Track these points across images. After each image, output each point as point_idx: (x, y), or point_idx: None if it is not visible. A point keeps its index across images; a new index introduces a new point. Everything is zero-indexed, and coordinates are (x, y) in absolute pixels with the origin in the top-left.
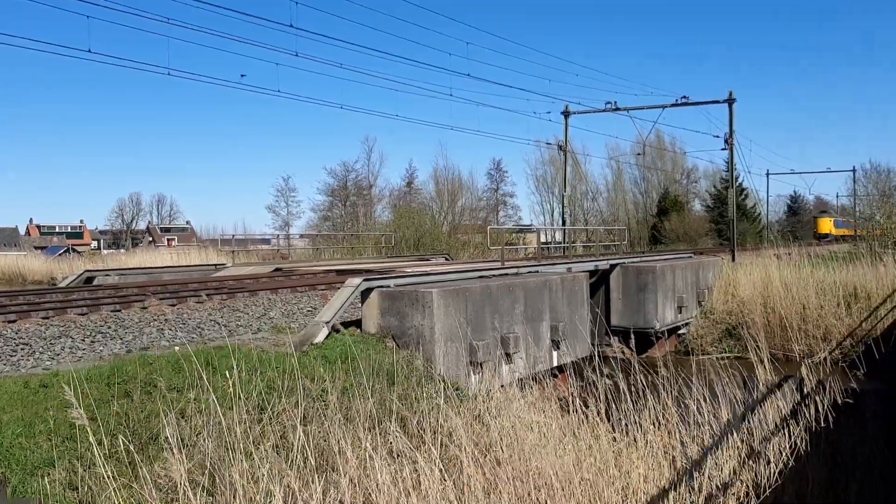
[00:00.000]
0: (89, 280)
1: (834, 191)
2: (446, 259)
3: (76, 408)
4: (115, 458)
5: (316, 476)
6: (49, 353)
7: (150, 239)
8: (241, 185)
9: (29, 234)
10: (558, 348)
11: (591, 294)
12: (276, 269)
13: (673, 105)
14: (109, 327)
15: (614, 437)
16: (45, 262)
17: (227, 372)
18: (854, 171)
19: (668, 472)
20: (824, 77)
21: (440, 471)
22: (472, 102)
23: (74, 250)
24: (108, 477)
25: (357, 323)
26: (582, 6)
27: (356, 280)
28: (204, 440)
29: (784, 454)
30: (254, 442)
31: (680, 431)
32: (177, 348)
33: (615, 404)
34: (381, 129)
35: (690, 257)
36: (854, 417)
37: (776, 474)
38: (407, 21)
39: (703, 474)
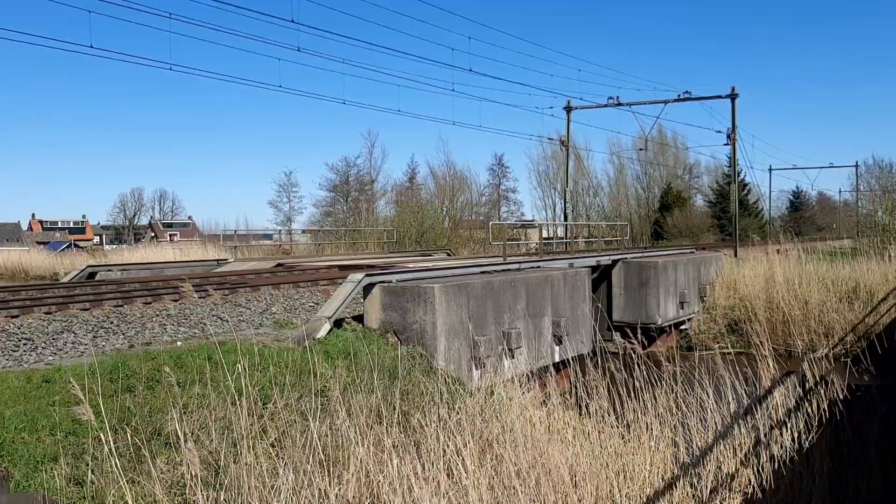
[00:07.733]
0: (92, 275)
1: (837, 186)
2: (448, 254)
3: (83, 403)
4: (119, 452)
5: (322, 470)
6: (52, 348)
7: (153, 234)
8: (242, 180)
9: (31, 230)
10: (560, 343)
11: (593, 289)
12: (279, 265)
13: (675, 100)
14: (112, 322)
15: (617, 431)
16: (47, 258)
17: (229, 367)
18: (857, 166)
19: (672, 465)
20: (827, 72)
21: (444, 466)
22: (474, 98)
23: (77, 245)
24: (117, 471)
25: (359, 318)
26: (584, 1)
27: (358, 275)
28: (207, 435)
29: (788, 449)
30: (257, 437)
31: (683, 426)
32: (179, 343)
33: (618, 399)
34: (383, 124)
35: (692, 252)
36: (858, 412)
37: (780, 468)
38: (409, 16)
39: (707, 468)
